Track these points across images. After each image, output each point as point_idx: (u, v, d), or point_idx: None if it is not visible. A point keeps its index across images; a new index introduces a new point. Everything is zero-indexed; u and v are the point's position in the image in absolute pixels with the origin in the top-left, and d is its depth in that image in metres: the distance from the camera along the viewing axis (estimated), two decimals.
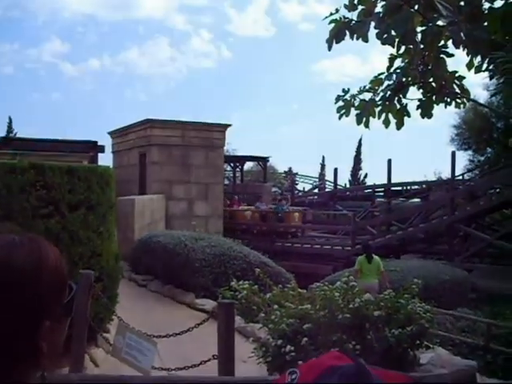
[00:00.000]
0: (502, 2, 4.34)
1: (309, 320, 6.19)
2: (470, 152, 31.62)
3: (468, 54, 4.56)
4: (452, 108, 5.63)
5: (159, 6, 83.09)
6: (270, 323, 6.67)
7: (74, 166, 7.29)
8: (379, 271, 10.92)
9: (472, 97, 6.31)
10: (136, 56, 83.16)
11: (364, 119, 5.47)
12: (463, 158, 31.98)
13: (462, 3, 4.37)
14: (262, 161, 31.48)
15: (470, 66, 4.84)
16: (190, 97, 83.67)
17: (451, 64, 4.95)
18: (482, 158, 31.23)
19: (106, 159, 20.27)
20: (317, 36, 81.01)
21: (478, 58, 4.58)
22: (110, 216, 7.37)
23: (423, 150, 71.58)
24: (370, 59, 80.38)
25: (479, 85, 27.72)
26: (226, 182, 30.46)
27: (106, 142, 21.59)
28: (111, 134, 23.28)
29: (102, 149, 17.46)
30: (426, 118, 5.38)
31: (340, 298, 6.42)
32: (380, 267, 10.98)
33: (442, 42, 4.68)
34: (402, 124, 5.60)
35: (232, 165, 31.99)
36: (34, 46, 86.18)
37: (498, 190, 22.19)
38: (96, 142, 17.09)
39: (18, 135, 34.23)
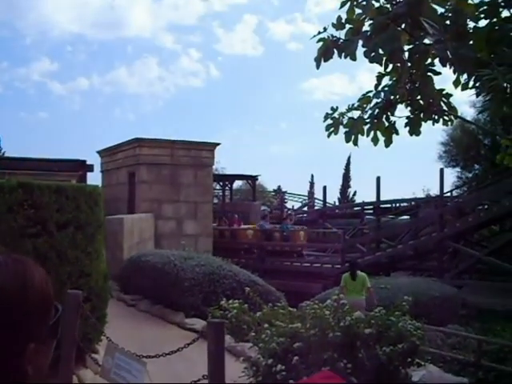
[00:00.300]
0: (486, 22, 4.40)
1: (299, 339, 6.15)
2: (457, 169, 31.85)
3: (454, 72, 4.60)
4: (439, 125, 5.67)
5: (148, 25, 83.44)
6: (260, 342, 6.62)
7: (62, 184, 7.26)
8: (365, 288, 10.83)
9: (459, 114, 6.36)
10: (125, 75, 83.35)
11: (353, 137, 5.49)
12: (451, 175, 32.21)
13: (448, 22, 4.42)
14: (251, 179, 31.51)
15: (456, 83, 4.88)
16: (179, 116, 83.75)
17: (438, 82, 4.98)
18: (470, 175, 31.44)
19: (95, 178, 20.22)
20: (305, 55, 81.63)
21: (465, 76, 4.62)
22: (98, 235, 7.33)
23: (412, 167, 71.85)
24: (357, 77, 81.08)
25: (466, 102, 28.05)
26: (215, 200, 30.40)
27: (95, 160, 21.54)
28: (100, 152, 23.23)
29: (90, 168, 17.43)
30: (414, 136, 5.41)
31: (330, 316, 6.39)
32: (366, 284, 10.86)
33: (429, 60, 4.71)
34: (391, 141, 5.62)
35: (221, 183, 31.99)
36: (22, 65, 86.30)
37: (486, 207, 22.32)
38: (85, 161, 17.06)
39: (5, 154, 34.08)
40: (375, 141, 5.48)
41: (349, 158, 52.06)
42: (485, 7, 4.34)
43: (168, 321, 11.14)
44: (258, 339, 6.83)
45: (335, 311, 6.56)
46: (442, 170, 23.56)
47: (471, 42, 4.32)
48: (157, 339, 9.03)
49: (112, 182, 21.65)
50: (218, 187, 31.88)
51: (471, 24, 4.44)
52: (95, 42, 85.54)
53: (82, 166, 16.74)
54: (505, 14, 4.45)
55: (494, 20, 4.39)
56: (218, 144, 21.47)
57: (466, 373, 9.63)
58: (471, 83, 4.51)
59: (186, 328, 10.59)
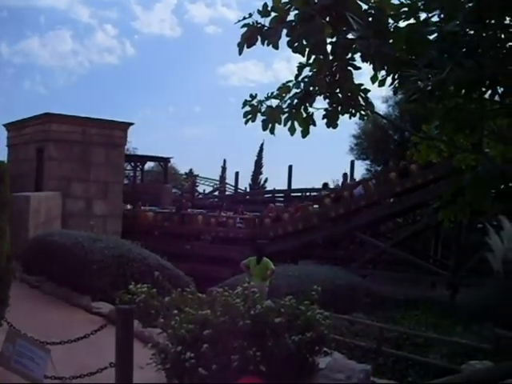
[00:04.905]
0: (407, 22, 4.49)
1: (209, 326, 6.11)
2: (367, 162, 32.70)
3: (374, 69, 4.67)
4: (353, 118, 5.75)
5: None
6: (169, 328, 6.54)
7: None
8: (266, 273, 11.11)
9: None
10: (36, 46, 80.00)
11: (270, 125, 5.46)
12: (361, 168, 33.02)
13: (371, 19, 4.48)
14: (163, 161, 31.24)
15: (374, 79, 4.95)
16: (92, 92, 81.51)
17: (356, 76, 5.05)
18: (379, 168, 32.38)
19: (0, 153, 19.36)
20: (223, 39, 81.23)
21: (382, 73, 4.70)
22: (2, 214, 6.98)
23: (324, 157, 73.41)
24: (273, 65, 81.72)
25: (378, 97, 28.69)
26: (126, 181, 29.84)
27: (1, 134, 20.66)
28: (7, 126, 22.23)
29: None
30: (331, 128, 5.46)
31: (241, 303, 6.39)
32: (268, 269, 11.18)
33: (350, 55, 4.76)
34: (308, 132, 5.63)
35: (132, 164, 31.47)
36: None
37: (392, 200, 23.03)
38: None
39: None
40: (292, 130, 5.47)
41: (262, 145, 52.55)
42: (405, 9, 4.42)
43: (74, 304, 10.81)
44: (166, 325, 6.75)
45: (246, 299, 6.57)
46: (352, 162, 24.20)
47: (391, 41, 4.39)
48: (62, 324, 8.75)
49: (19, 158, 20.77)
50: (129, 168, 31.33)
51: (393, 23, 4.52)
52: (4, 8, 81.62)
53: None
54: (423, 16, 4.55)
55: (414, 21, 4.49)
56: (132, 124, 21.13)
57: (367, 359, 9.95)
58: (389, 80, 4.60)
59: (92, 312, 10.32)
